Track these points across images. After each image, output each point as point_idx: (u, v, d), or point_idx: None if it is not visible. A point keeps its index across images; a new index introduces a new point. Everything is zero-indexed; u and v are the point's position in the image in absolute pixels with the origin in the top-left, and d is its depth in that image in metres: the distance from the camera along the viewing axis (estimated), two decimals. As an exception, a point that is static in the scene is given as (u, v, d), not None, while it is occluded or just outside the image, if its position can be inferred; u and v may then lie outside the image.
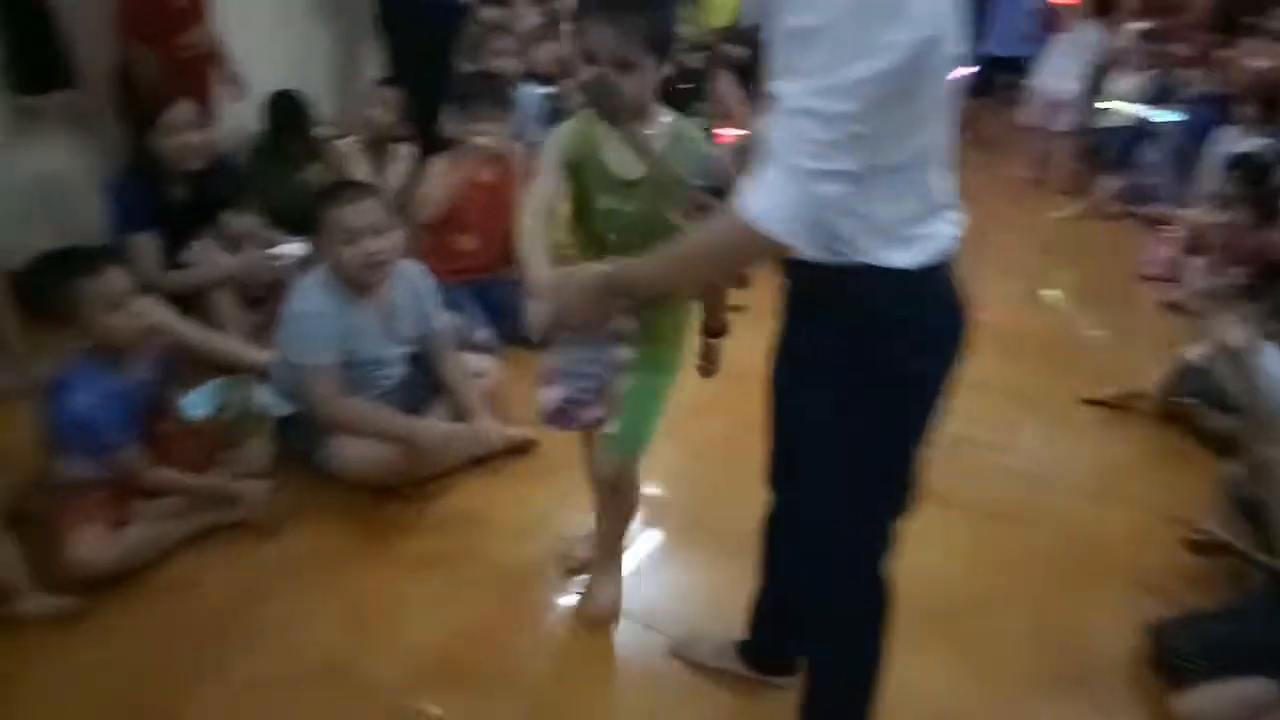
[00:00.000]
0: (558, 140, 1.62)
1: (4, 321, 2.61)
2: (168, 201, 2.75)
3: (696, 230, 1.24)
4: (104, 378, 1.93)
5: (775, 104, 1.04)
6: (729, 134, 4.50)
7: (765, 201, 1.05)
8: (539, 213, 1.59)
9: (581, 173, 1.60)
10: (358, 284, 2.20)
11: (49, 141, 2.98)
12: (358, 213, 2.14)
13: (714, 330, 1.79)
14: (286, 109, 3.38)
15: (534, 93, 3.93)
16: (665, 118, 1.58)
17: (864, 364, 1.20)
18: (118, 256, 2.01)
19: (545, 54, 4.20)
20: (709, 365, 1.82)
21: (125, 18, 2.84)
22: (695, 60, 3.80)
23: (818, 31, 0.99)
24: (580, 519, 2.12)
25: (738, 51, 5.18)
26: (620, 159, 1.57)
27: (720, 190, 1.31)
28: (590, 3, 1.48)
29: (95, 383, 1.91)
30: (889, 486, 1.32)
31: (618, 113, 1.48)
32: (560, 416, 1.50)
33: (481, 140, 2.90)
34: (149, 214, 2.71)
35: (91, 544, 1.88)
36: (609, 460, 1.77)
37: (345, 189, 2.26)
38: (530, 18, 4.57)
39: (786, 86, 1.03)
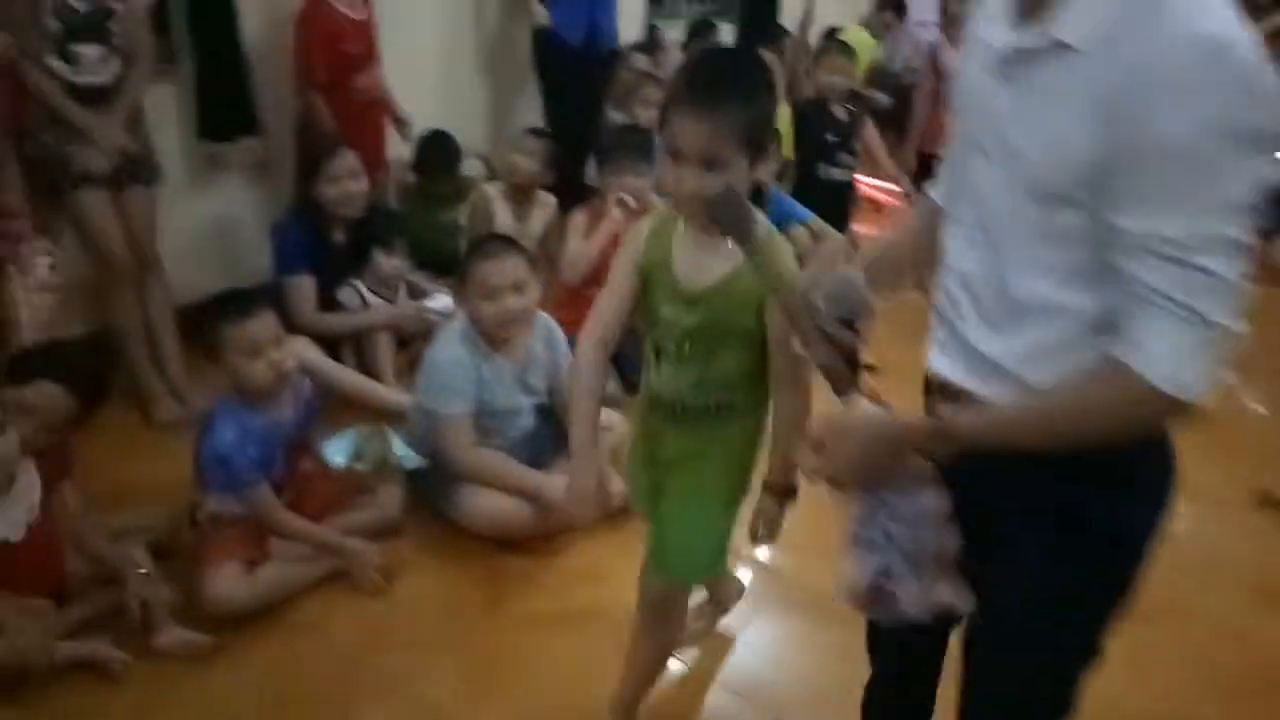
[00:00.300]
0: (633, 244, 1.46)
1: (170, 356, 2.79)
2: (327, 244, 2.89)
3: (1070, 387, 0.97)
4: (246, 416, 2.01)
5: (1135, 240, 0.88)
6: (873, 183, 4.42)
7: (1176, 366, 0.88)
8: (600, 343, 1.46)
9: (650, 281, 1.44)
10: (494, 338, 2.23)
11: (228, 185, 3.19)
12: (500, 270, 2.17)
13: (782, 489, 1.52)
14: (437, 149, 3.51)
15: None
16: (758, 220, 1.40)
17: (1091, 518, 1.03)
18: (268, 304, 2.09)
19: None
20: (766, 531, 1.54)
21: (304, 66, 3.02)
22: (842, 111, 3.71)
23: (1197, 149, 0.83)
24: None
25: (882, 98, 5.09)
26: (689, 267, 1.40)
27: (852, 322, 1.09)
28: (680, 92, 1.30)
29: (237, 421, 2.00)
30: (1093, 654, 1.11)
31: (748, 234, 1.20)
32: (876, 598, 1.09)
33: (621, 197, 2.93)
34: (308, 256, 2.85)
35: (228, 582, 1.95)
36: (654, 581, 1.61)
37: (491, 244, 2.31)
38: (675, 65, 4.61)
39: (1168, 223, 0.86)
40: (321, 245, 2.88)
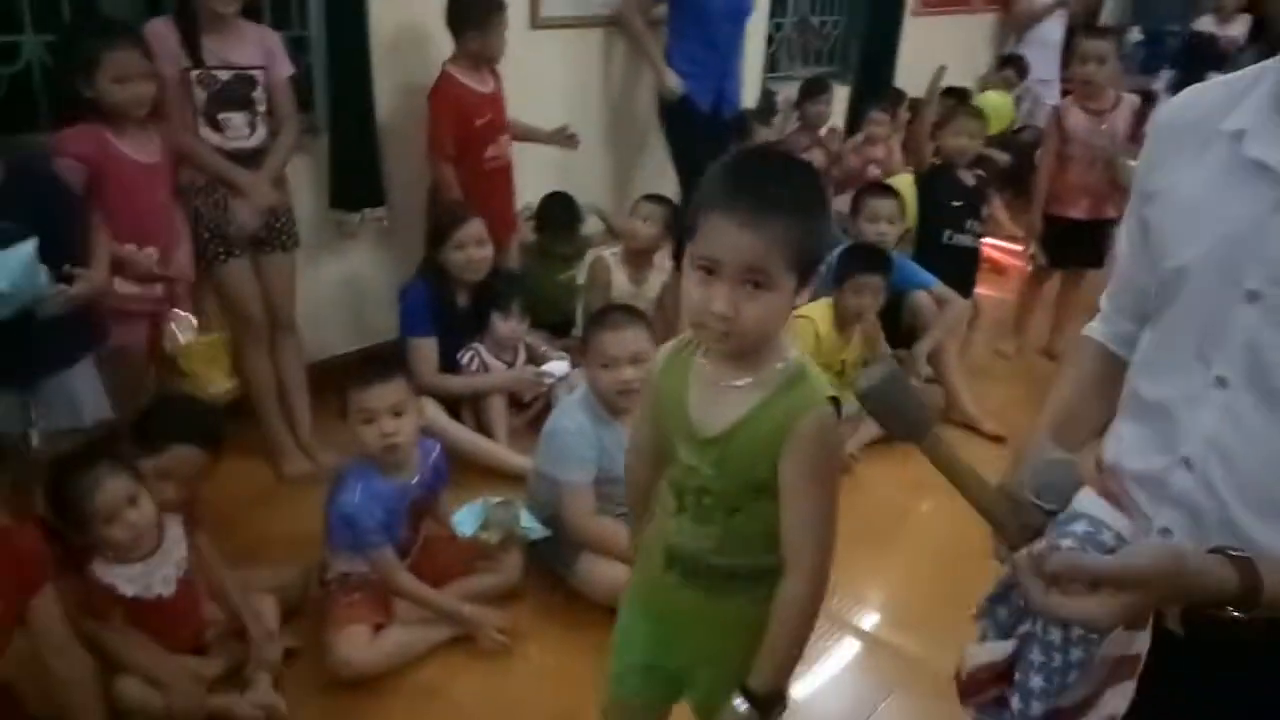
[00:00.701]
0: (652, 370, 1.29)
1: (300, 413, 2.89)
2: (451, 308, 2.97)
3: None
4: (374, 479, 2.06)
5: None
6: (995, 244, 4.31)
7: None
8: (634, 468, 1.37)
9: (664, 417, 1.25)
10: (613, 406, 2.24)
11: (358, 250, 3.32)
12: (620, 341, 2.19)
13: (767, 698, 1.19)
14: (559, 208, 3.58)
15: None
16: (786, 357, 1.17)
17: None
18: (397, 372, 2.14)
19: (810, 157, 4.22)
20: None
21: (435, 138, 3.13)
22: (970, 176, 3.65)
23: None
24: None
25: (1002, 157, 4.98)
26: (704, 407, 1.19)
27: (1056, 512, 0.94)
28: (722, 192, 1.08)
29: (365, 482, 2.04)
30: None
31: (923, 428, 1.05)
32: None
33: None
34: (432, 319, 2.93)
35: (354, 644, 1.98)
36: None
37: (613, 315, 2.33)
38: (792, 126, 4.62)
39: None
40: (445, 308, 2.96)
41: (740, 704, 1.18)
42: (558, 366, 3.02)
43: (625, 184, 4.23)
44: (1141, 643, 0.90)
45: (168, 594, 1.86)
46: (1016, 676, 0.97)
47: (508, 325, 3.03)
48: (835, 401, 1.15)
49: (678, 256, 3.52)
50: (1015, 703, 0.96)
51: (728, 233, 1.06)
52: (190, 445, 1.95)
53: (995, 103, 5.16)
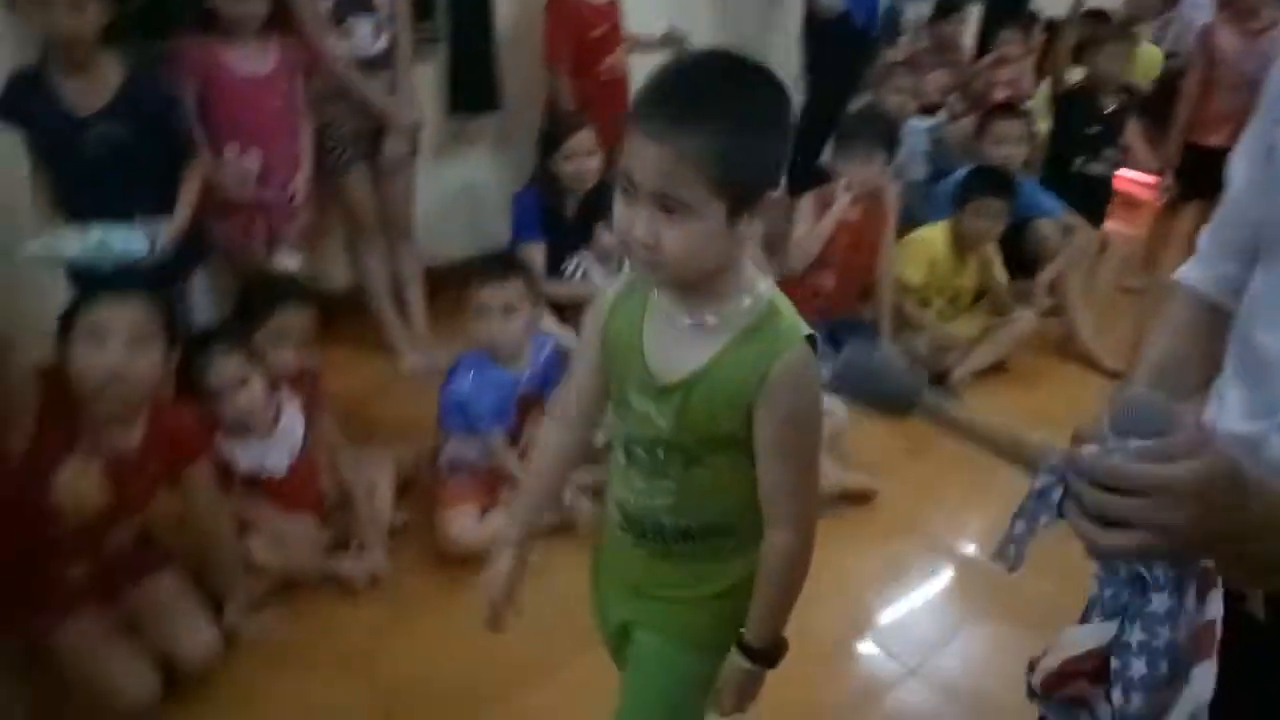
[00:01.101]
0: (596, 310, 1.12)
1: (416, 313, 3.01)
2: (560, 216, 3.02)
3: None
4: (487, 367, 2.14)
5: None
6: (1128, 176, 4.06)
7: None
8: (564, 424, 1.19)
9: (615, 360, 1.09)
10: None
11: (473, 156, 3.39)
12: None
13: (761, 652, 1.12)
14: None
15: (919, 126, 3.81)
16: (754, 293, 1.00)
17: None
18: (517, 272, 2.20)
19: (934, 83, 4.05)
20: (734, 701, 1.16)
21: (551, 50, 3.15)
22: (1112, 102, 3.45)
23: None
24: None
25: (1146, 86, 4.66)
26: (660, 350, 1.04)
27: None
28: (641, 101, 0.92)
29: (478, 370, 2.14)
30: None
31: (908, 401, 1.08)
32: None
33: (845, 182, 2.87)
34: (540, 226, 2.99)
35: (462, 524, 2.08)
36: None
37: None
38: (922, 44, 4.42)
39: None
40: (554, 216, 3.00)
41: (742, 661, 1.12)
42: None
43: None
44: (1214, 609, 0.79)
45: (279, 474, 1.99)
46: (1114, 664, 0.84)
47: (611, 237, 3.05)
48: (811, 341, 1.00)
49: (793, 176, 3.46)
50: (1116, 696, 0.83)
51: (642, 147, 0.90)
52: (291, 306, 2.07)
53: (1147, 55, 4.83)
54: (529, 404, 2.26)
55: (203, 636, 1.70)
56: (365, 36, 2.62)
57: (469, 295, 2.15)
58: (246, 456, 1.95)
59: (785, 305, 1.03)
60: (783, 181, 0.99)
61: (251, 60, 2.40)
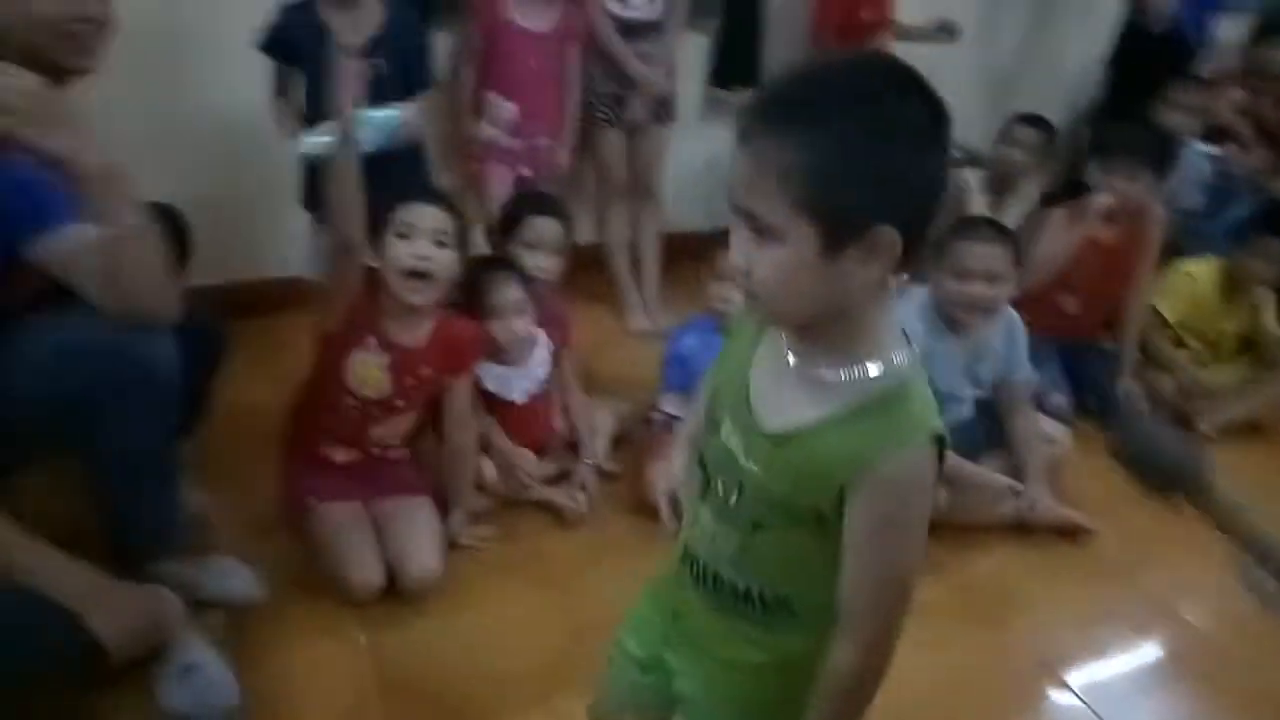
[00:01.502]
0: (735, 320, 1.05)
1: (649, 275, 3.14)
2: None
3: None
4: (712, 333, 2.22)
5: None
6: None
7: None
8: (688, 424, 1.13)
9: (722, 376, 1.00)
10: (954, 319, 2.21)
11: (726, 131, 3.46)
12: (980, 256, 2.13)
13: None
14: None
15: (1201, 151, 3.51)
16: (886, 362, 0.85)
17: None
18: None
19: (1225, 104, 3.71)
20: None
21: (817, 29, 3.17)
22: None
23: None
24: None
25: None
26: (764, 394, 0.92)
27: None
28: (745, 110, 0.83)
29: (704, 332, 2.23)
30: None
31: (1189, 477, 0.94)
32: None
33: (1103, 199, 2.69)
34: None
35: (662, 476, 2.18)
36: None
37: (981, 228, 2.26)
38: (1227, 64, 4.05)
39: None
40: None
41: None
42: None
43: (1002, 97, 3.97)
44: None
45: (520, 401, 2.17)
46: None
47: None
48: (940, 442, 0.86)
49: (1057, 191, 3.30)
50: None
51: (736, 158, 0.81)
52: (545, 214, 2.22)
53: None
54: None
55: (429, 563, 1.86)
56: (641, 1, 2.74)
57: (705, 266, 2.23)
58: (492, 379, 2.13)
59: (922, 391, 0.87)
60: (916, 217, 0.81)
61: (533, 16, 2.58)
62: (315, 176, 2.21)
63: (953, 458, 2.14)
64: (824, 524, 0.89)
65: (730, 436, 0.95)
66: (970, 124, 3.68)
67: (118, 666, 1.46)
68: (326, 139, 1.95)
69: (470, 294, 2.05)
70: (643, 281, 3.14)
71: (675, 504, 1.11)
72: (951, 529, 2.23)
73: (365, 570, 1.81)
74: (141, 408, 1.49)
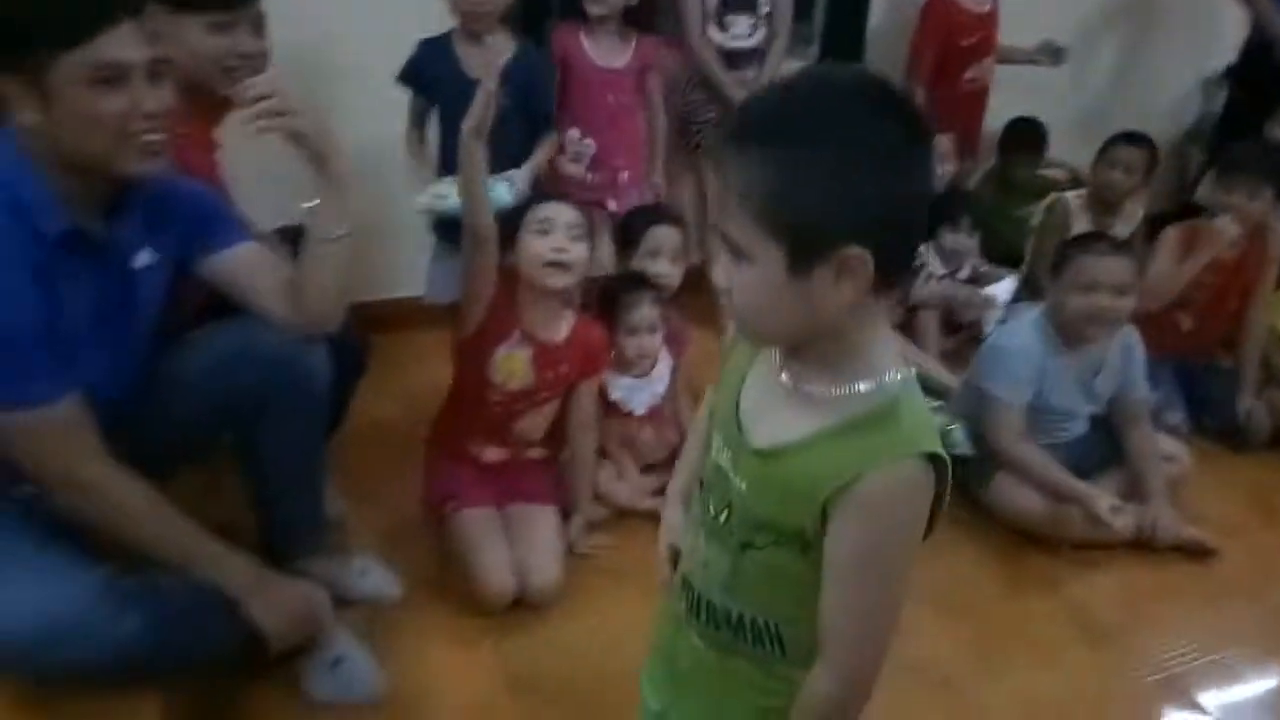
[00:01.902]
0: (727, 355, 1.00)
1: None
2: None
3: None
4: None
5: None
6: None
7: None
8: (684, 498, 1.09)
9: (721, 386, 0.98)
10: (1073, 334, 2.20)
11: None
12: (1107, 268, 2.12)
13: None
14: (1022, 137, 3.47)
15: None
16: (877, 381, 0.83)
17: None
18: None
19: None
20: None
21: (915, 56, 3.18)
22: None
23: None
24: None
25: None
26: (754, 409, 0.91)
27: None
28: (728, 128, 0.81)
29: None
30: None
31: None
32: None
33: (1222, 219, 2.64)
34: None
35: (662, 534, 2.20)
36: None
37: (1102, 241, 2.27)
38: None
39: None
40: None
41: None
42: (1003, 288, 2.98)
43: (1100, 117, 3.93)
44: None
45: (640, 413, 2.25)
46: None
47: (955, 238, 3.05)
48: (937, 461, 0.81)
49: (1167, 212, 3.24)
50: None
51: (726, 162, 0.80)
52: (663, 224, 2.30)
53: None
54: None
55: (552, 575, 1.92)
56: (742, 31, 2.82)
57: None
58: (620, 389, 2.22)
59: (914, 408, 0.83)
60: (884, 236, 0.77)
61: (609, 54, 2.65)
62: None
63: (1055, 470, 2.16)
64: (809, 548, 0.86)
65: (721, 453, 0.93)
66: (1070, 144, 3.73)
67: (272, 656, 1.56)
68: (447, 198, 2.09)
69: (606, 309, 2.15)
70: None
71: (676, 557, 1.08)
72: (1068, 546, 2.21)
73: (499, 581, 1.87)
74: (300, 413, 1.61)
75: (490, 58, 2.30)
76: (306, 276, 1.53)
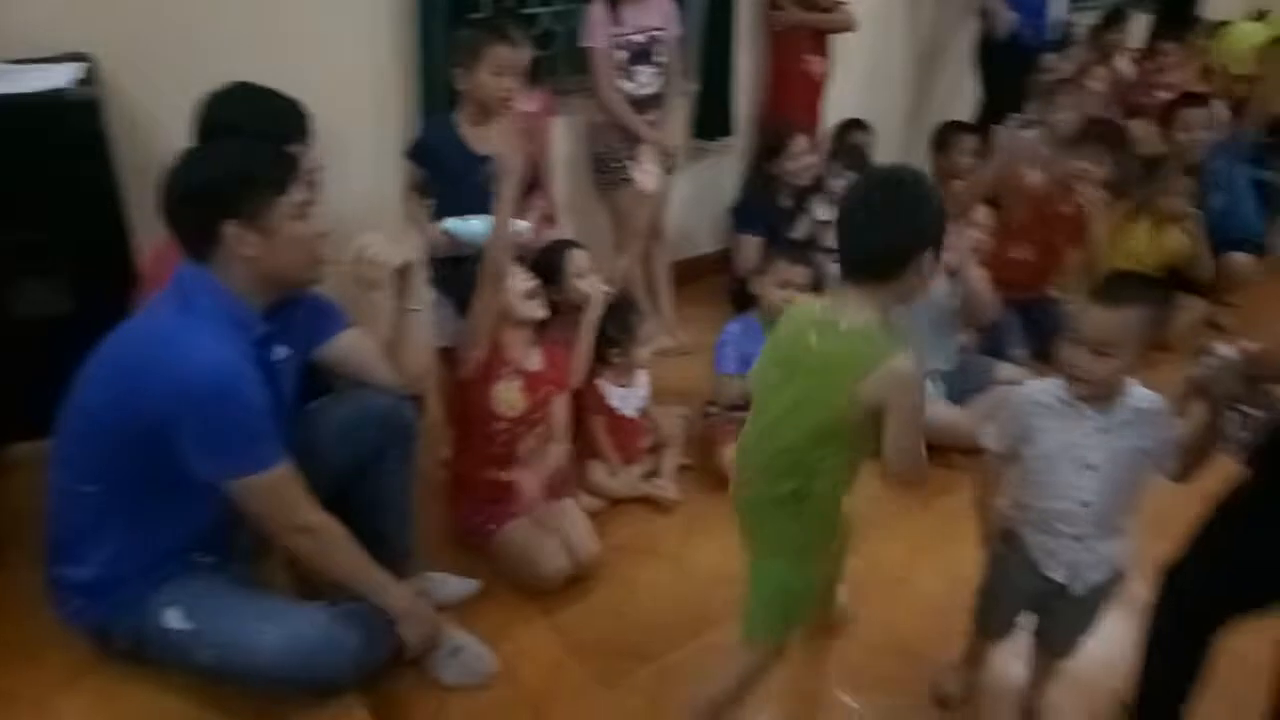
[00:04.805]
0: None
1: (665, 302, 3.67)
2: (775, 208, 3.64)
3: None
4: (754, 326, 2.80)
5: None
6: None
7: None
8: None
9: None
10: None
11: (709, 171, 4.10)
12: None
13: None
14: (849, 132, 4.05)
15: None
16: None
17: None
18: (807, 259, 2.86)
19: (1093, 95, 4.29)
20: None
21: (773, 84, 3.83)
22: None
23: None
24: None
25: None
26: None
27: None
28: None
29: (745, 324, 2.82)
30: None
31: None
32: None
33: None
34: (757, 219, 3.64)
35: (725, 456, 2.72)
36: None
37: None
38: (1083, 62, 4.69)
39: None
40: (769, 208, 3.66)
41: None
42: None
43: (921, 110, 4.70)
44: None
45: (629, 415, 2.76)
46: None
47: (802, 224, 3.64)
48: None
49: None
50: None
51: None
52: (576, 248, 2.65)
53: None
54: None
55: (596, 547, 2.40)
56: (646, 80, 3.27)
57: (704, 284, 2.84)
58: (616, 398, 2.74)
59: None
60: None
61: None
62: (444, 260, 2.61)
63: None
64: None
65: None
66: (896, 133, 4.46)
67: (406, 660, 1.98)
68: (470, 221, 2.43)
69: (605, 328, 2.65)
70: (660, 307, 3.66)
71: None
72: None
73: (556, 561, 2.32)
74: (405, 457, 2.02)
75: (489, 133, 2.61)
76: (400, 346, 1.94)
